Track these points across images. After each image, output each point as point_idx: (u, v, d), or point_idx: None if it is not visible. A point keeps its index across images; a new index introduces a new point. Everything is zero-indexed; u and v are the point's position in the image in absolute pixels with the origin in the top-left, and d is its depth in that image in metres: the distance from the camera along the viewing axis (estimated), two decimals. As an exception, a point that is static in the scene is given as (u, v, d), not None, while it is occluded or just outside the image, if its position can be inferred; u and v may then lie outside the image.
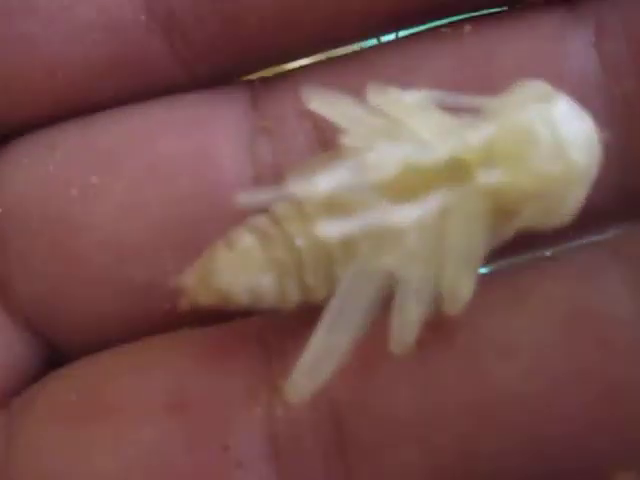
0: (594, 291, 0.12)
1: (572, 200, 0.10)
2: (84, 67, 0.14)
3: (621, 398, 0.11)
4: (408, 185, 0.10)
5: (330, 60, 0.14)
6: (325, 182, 0.10)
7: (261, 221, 0.12)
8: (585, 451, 0.11)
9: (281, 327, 0.13)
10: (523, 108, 0.10)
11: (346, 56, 0.14)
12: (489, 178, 0.09)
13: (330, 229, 0.10)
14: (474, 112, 0.11)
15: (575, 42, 0.13)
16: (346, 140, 0.11)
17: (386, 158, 0.10)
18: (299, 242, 0.11)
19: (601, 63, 0.13)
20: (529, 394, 0.11)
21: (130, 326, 0.14)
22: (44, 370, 0.14)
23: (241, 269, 0.11)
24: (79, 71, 0.14)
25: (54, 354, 0.15)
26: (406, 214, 0.10)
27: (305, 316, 0.12)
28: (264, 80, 0.15)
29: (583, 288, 0.12)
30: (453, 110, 0.11)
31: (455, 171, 0.10)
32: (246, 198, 0.11)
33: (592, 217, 0.12)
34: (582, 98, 0.12)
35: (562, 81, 0.12)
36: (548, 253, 0.13)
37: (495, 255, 0.12)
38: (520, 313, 0.12)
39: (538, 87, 0.10)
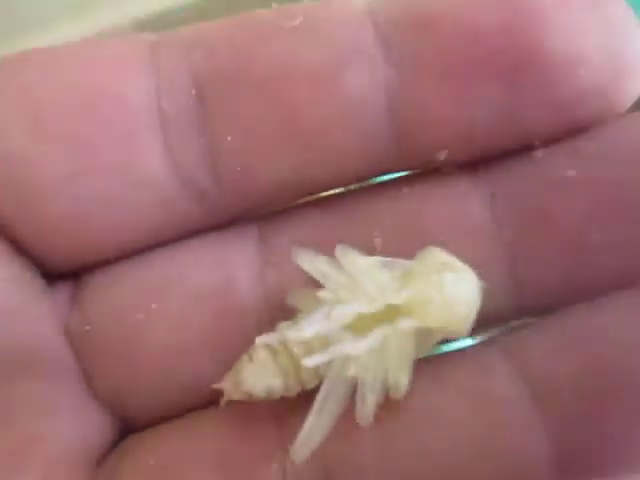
0: (489, 379, 0.16)
1: (464, 327, 0.15)
2: (142, 227, 0.17)
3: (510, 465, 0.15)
4: (362, 324, 0.16)
5: (312, 202, 0.18)
6: (308, 331, 0.15)
7: (270, 339, 0.16)
8: None
9: (288, 406, 0.17)
10: (426, 278, 0.15)
11: (324, 199, 0.18)
12: (406, 324, 0.15)
13: (313, 360, 0.15)
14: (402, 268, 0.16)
15: (475, 203, 0.17)
16: (322, 294, 0.16)
17: (345, 312, 0.15)
18: (296, 350, 0.16)
19: (493, 219, 0.17)
20: (452, 450, 0.15)
21: (184, 405, 0.17)
22: (117, 440, 0.18)
23: (259, 376, 0.16)
24: (139, 229, 0.17)
25: (123, 429, 0.18)
26: (357, 347, 0.15)
27: (304, 399, 0.16)
28: (267, 217, 0.18)
29: (481, 377, 0.16)
30: (390, 264, 0.16)
31: (389, 314, 0.15)
32: (261, 339, 0.16)
33: (486, 322, 0.17)
34: (480, 244, 0.17)
35: (467, 233, 0.17)
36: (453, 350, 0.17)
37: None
38: (440, 397, 0.16)
39: (439, 255, 0.16)
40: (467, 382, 0.16)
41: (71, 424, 0.17)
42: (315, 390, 0.17)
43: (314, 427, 0.16)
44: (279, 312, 0.17)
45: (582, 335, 0.15)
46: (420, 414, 0.16)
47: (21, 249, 0.17)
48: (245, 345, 0.17)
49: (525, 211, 0.17)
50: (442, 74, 0.16)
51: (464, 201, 0.17)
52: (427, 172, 0.18)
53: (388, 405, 0.16)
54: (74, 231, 0.17)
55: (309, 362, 0.15)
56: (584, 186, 0.16)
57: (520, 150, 0.17)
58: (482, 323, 0.16)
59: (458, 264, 0.16)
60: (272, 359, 0.16)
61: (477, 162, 0.17)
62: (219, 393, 0.16)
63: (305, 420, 0.16)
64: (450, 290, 0.15)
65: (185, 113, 0.16)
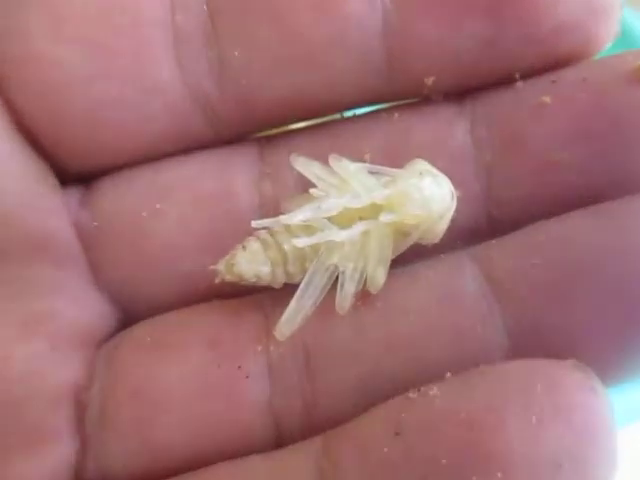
0: (452, 275, 0.17)
1: (438, 230, 0.17)
2: (152, 132, 0.19)
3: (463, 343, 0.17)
4: (348, 219, 0.17)
5: (309, 128, 0.20)
6: (300, 215, 0.17)
7: (263, 233, 0.18)
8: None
9: (272, 297, 0.19)
10: (408, 179, 0.17)
11: (320, 125, 0.20)
12: (387, 218, 0.17)
13: (302, 241, 0.17)
14: (390, 175, 0.18)
15: (458, 127, 0.19)
16: (314, 191, 0.18)
17: (334, 204, 0.17)
18: (285, 246, 0.18)
19: (472, 142, 0.18)
20: (418, 337, 0.17)
21: (180, 297, 0.19)
22: (119, 327, 0.19)
23: (250, 262, 0.18)
24: (149, 135, 0.19)
25: (126, 318, 0.20)
26: (340, 234, 0.17)
27: (288, 295, 0.18)
28: (267, 138, 0.20)
29: (446, 274, 0.17)
30: (376, 174, 0.18)
31: (372, 211, 0.17)
32: (257, 222, 0.17)
33: (462, 237, 0.18)
34: (460, 163, 0.18)
35: (449, 153, 0.18)
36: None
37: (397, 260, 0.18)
38: (412, 291, 0.17)
39: (422, 164, 0.17)
40: (436, 278, 0.18)
41: (76, 306, 0.19)
42: (298, 285, 0.18)
43: (296, 309, 0.18)
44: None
45: (543, 241, 0.17)
46: (392, 305, 0.18)
47: (38, 147, 0.19)
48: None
49: (502, 135, 0.18)
50: (435, 4, 0.17)
51: (448, 126, 0.19)
52: (417, 101, 0.19)
53: (365, 296, 0.18)
54: (88, 133, 0.18)
55: (299, 242, 0.17)
56: (556, 110, 0.18)
57: (502, 81, 0.19)
58: (455, 237, 0.18)
59: (437, 172, 0.18)
60: (263, 249, 0.18)
61: (462, 91, 0.19)
62: (213, 286, 0.18)
63: (287, 306, 0.18)
64: (428, 190, 0.17)
65: (196, 27, 0.18)
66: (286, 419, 0.18)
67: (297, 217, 0.17)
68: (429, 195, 0.17)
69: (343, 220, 0.18)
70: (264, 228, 0.18)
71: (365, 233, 0.18)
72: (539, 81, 0.18)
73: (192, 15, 0.18)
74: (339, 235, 0.17)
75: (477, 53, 0.18)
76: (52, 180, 0.19)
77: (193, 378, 0.18)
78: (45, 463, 0.17)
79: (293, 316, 0.18)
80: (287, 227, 0.18)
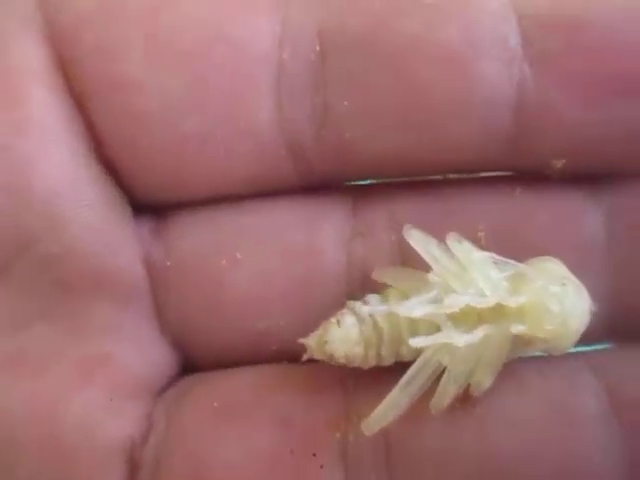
0: (570, 390, 0.15)
1: (567, 345, 0.15)
2: (237, 174, 0.17)
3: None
4: (465, 316, 0.15)
5: (412, 183, 0.18)
6: (420, 310, 0.15)
7: (359, 307, 0.16)
8: None
9: (355, 378, 0.17)
10: (546, 287, 0.15)
11: (425, 183, 0.18)
12: (517, 329, 0.15)
13: (417, 341, 0.15)
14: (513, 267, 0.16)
15: (591, 219, 0.17)
16: (431, 276, 0.16)
17: (457, 300, 0.15)
18: (382, 326, 0.16)
19: (606, 236, 0.16)
20: (519, 456, 0.15)
21: (250, 354, 0.17)
22: (180, 372, 0.18)
23: (343, 341, 0.16)
24: (234, 177, 0.17)
25: (188, 364, 0.18)
26: (462, 338, 0.15)
27: (370, 375, 0.16)
28: (363, 190, 0.18)
29: (563, 387, 0.16)
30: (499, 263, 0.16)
31: (496, 314, 0.15)
32: (369, 309, 0.15)
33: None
34: (588, 258, 0.16)
35: (577, 247, 0.16)
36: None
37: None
38: (519, 400, 0.16)
39: (556, 265, 0.15)
40: (550, 389, 0.16)
41: (137, 350, 0.17)
42: (385, 368, 0.17)
43: (392, 405, 0.16)
44: (358, 284, 0.17)
45: None
46: (494, 413, 0.16)
47: (115, 173, 0.17)
48: (321, 308, 0.17)
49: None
50: (581, 82, 0.15)
51: (578, 213, 0.17)
52: (541, 177, 0.17)
53: (464, 398, 0.16)
54: (170, 166, 0.17)
55: (414, 342, 0.15)
56: None
57: None
58: None
59: (576, 280, 0.15)
60: (358, 327, 0.16)
61: (597, 177, 0.17)
62: (286, 352, 0.17)
63: (385, 398, 0.16)
64: (570, 304, 0.15)
65: (305, 68, 0.16)
66: None
67: (416, 311, 0.15)
68: (570, 310, 0.15)
69: (460, 318, 0.16)
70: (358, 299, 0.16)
71: (485, 337, 0.15)
72: None
73: (301, 54, 0.16)
74: (460, 339, 0.15)
75: (621, 143, 0.16)
76: (126, 210, 0.17)
77: (261, 460, 0.16)
78: None
79: (387, 411, 0.16)
80: (387, 308, 0.16)
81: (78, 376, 0.16)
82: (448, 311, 0.15)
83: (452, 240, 0.16)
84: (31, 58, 0.16)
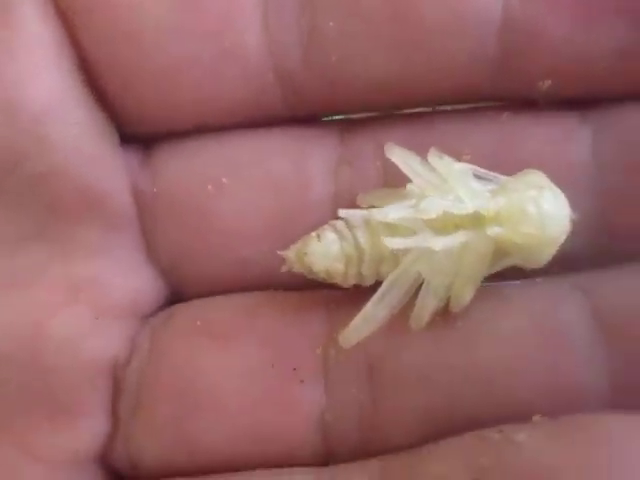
0: (555, 306, 0.15)
1: (546, 254, 0.15)
2: (226, 100, 0.17)
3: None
4: (444, 224, 0.15)
5: (400, 116, 0.18)
6: (395, 213, 0.15)
7: (340, 225, 0.16)
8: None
9: (337, 296, 0.17)
10: (524, 191, 0.15)
11: (413, 115, 0.18)
12: (494, 232, 0.15)
13: (396, 242, 0.15)
14: (496, 182, 0.16)
15: (580, 141, 0.16)
16: (410, 186, 0.16)
17: (435, 204, 0.15)
18: (363, 245, 0.16)
19: (593, 160, 0.16)
20: (504, 368, 0.15)
21: (237, 282, 0.17)
22: (167, 304, 0.18)
23: (324, 255, 0.16)
24: (222, 102, 0.17)
25: (175, 296, 0.18)
26: (439, 242, 0.15)
27: (355, 297, 0.16)
28: (351, 122, 0.18)
29: (548, 303, 0.16)
30: (482, 179, 0.16)
31: (475, 221, 0.15)
32: (345, 212, 0.16)
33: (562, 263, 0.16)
34: (576, 181, 0.16)
35: (564, 169, 0.16)
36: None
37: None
38: (502, 314, 0.16)
39: (538, 176, 0.15)
40: (533, 304, 0.16)
41: (123, 274, 0.17)
42: (368, 289, 0.17)
43: (368, 316, 0.16)
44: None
45: None
46: (477, 327, 0.16)
47: (103, 98, 0.17)
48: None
49: (629, 159, 0.16)
50: (566, 5, 0.15)
51: (567, 137, 0.17)
52: (528, 104, 0.17)
53: (445, 314, 0.16)
54: (158, 91, 0.17)
55: (391, 243, 0.15)
56: None
57: (635, 97, 0.16)
58: (560, 261, 0.16)
59: (556, 189, 0.15)
60: (339, 244, 0.16)
61: (583, 101, 0.17)
62: (273, 275, 0.17)
63: (359, 312, 0.16)
64: (547, 207, 0.15)
65: None
66: (338, 435, 0.16)
67: (391, 214, 0.15)
68: (548, 213, 0.15)
69: (438, 226, 0.15)
70: (341, 218, 0.16)
71: (463, 246, 0.15)
72: None
73: None
74: (437, 243, 0.15)
75: (608, 61, 0.16)
76: (114, 136, 0.17)
77: (242, 375, 0.16)
78: (71, 439, 0.16)
79: (363, 324, 0.16)
80: (367, 223, 0.16)
81: (64, 294, 0.16)
82: (425, 216, 0.15)
83: (433, 155, 0.16)
84: None
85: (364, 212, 0.15)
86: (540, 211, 0.15)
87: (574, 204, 0.16)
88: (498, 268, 0.16)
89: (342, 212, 0.16)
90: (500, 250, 0.16)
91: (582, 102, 0.17)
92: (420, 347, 0.16)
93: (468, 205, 0.15)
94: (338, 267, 0.16)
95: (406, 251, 0.16)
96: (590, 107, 0.17)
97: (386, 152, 0.16)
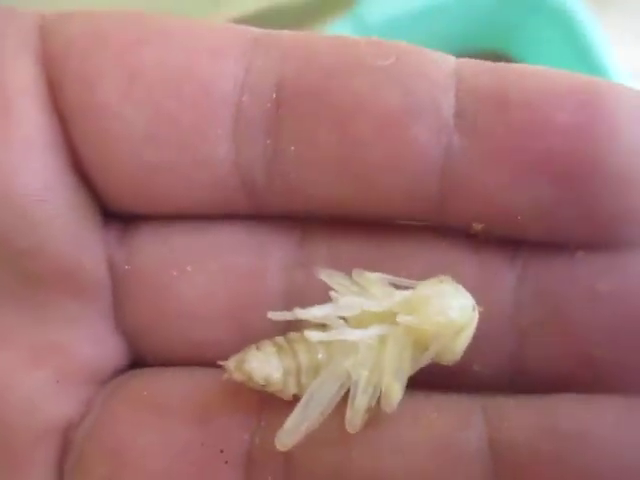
0: (459, 426, 0.16)
1: (458, 345, 0.17)
2: (195, 199, 0.18)
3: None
4: (363, 321, 0.17)
5: (357, 227, 0.19)
6: (317, 311, 0.17)
7: (279, 339, 0.18)
8: None
9: (275, 399, 0.18)
10: (429, 286, 0.17)
11: (368, 227, 0.19)
12: (404, 320, 0.16)
13: (315, 335, 0.16)
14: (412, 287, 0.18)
15: (504, 281, 0.18)
16: (332, 293, 0.17)
17: (352, 302, 0.17)
18: (301, 356, 0.17)
19: (514, 302, 0.18)
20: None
21: (189, 361, 0.19)
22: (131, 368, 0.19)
23: (262, 363, 0.17)
24: (193, 201, 0.19)
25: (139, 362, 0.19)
26: (356, 333, 0.16)
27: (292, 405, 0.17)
28: (311, 228, 0.19)
29: (453, 422, 0.17)
30: (399, 286, 0.18)
31: (390, 317, 0.17)
32: (274, 314, 0.17)
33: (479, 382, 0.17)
34: (495, 317, 0.17)
35: (487, 303, 0.17)
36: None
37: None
38: (409, 430, 0.17)
39: (445, 277, 0.17)
40: (439, 424, 0.17)
41: (91, 342, 0.18)
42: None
43: (301, 418, 0.17)
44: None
45: (561, 428, 0.16)
46: (384, 439, 0.17)
47: (89, 185, 0.19)
48: (259, 329, 0.19)
49: (546, 308, 0.17)
50: (502, 158, 0.16)
51: (493, 275, 0.18)
52: (470, 235, 0.18)
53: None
54: (136, 186, 0.18)
55: (312, 336, 0.16)
56: (610, 303, 0.17)
57: (560, 246, 0.17)
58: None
59: (459, 286, 0.17)
60: (277, 354, 0.18)
61: (515, 242, 0.18)
62: (223, 356, 0.18)
63: (294, 409, 0.17)
64: (447, 297, 0.16)
65: (261, 112, 0.17)
66: None
67: (313, 312, 0.17)
68: (448, 302, 0.16)
69: (360, 325, 0.17)
70: (280, 334, 0.18)
71: (382, 340, 0.17)
72: (598, 260, 0.17)
73: (259, 100, 0.18)
74: (353, 334, 0.17)
75: (535, 216, 0.17)
76: (96, 215, 0.19)
77: (174, 449, 0.17)
78: None
79: (296, 426, 0.17)
80: (304, 338, 0.18)
81: (29, 359, 0.17)
82: (343, 313, 0.17)
83: (356, 272, 0.19)
84: (24, 75, 0.17)
85: (289, 313, 0.17)
86: (441, 300, 0.16)
87: (491, 337, 0.18)
88: (421, 364, 0.17)
89: (271, 314, 0.17)
90: (418, 344, 0.17)
91: (514, 243, 0.18)
92: (333, 449, 0.17)
93: (383, 302, 0.17)
94: (276, 375, 0.17)
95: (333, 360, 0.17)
96: (521, 249, 0.18)
97: (316, 274, 0.18)
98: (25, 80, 0.18)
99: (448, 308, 0.16)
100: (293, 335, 0.18)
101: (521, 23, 0.46)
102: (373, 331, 0.17)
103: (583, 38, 0.43)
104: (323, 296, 0.18)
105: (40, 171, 0.18)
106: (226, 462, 0.17)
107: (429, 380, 0.18)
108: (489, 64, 0.18)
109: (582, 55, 0.42)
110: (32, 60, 0.18)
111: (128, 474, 0.17)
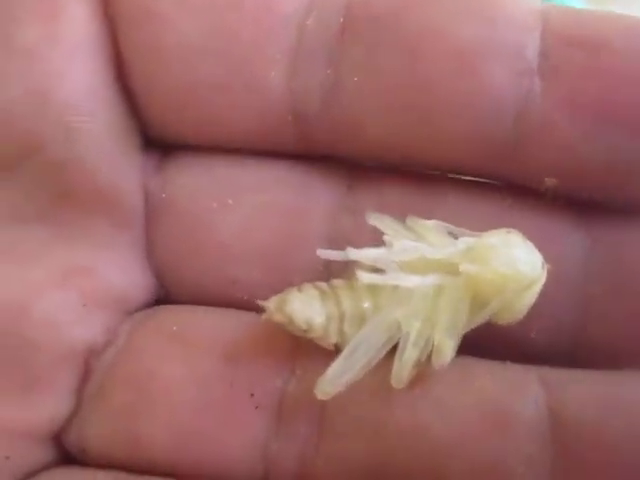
0: (512, 394, 0.15)
1: (521, 304, 0.15)
2: (242, 127, 0.17)
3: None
4: (418, 268, 0.16)
5: (408, 173, 0.18)
6: (371, 253, 0.15)
7: (322, 285, 0.17)
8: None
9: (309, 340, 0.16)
10: (495, 235, 0.15)
11: (419, 176, 0.18)
12: (466, 268, 0.15)
13: (367, 276, 0.15)
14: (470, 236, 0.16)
15: (574, 248, 0.16)
16: (386, 237, 0.16)
17: (409, 246, 0.15)
18: (345, 304, 0.16)
19: (583, 268, 0.16)
20: (446, 443, 0.15)
21: (221, 299, 0.18)
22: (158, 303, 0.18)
23: (304, 306, 0.16)
24: (239, 129, 0.17)
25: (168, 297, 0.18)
26: (413, 279, 0.15)
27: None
28: (361, 171, 0.18)
29: (506, 390, 0.15)
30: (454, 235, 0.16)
31: (449, 267, 0.15)
32: (323, 252, 0.16)
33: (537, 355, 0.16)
34: (562, 283, 0.16)
35: (554, 269, 0.16)
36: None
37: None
38: (459, 391, 0.16)
39: (512, 231, 0.15)
40: (492, 389, 0.16)
41: (120, 270, 0.18)
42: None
43: (344, 366, 0.16)
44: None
45: (623, 403, 0.15)
46: (431, 397, 0.16)
47: (131, 102, 0.18)
48: (297, 271, 0.17)
49: (617, 278, 0.16)
50: (587, 106, 0.15)
51: (562, 241, 0.17)
52: (537, 196, 0.17)
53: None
54: (183, 107, 0.17)
55: (363, 277, 0.15)
56: None
57: (633, 212, 0.17)
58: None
59: (530, 243, 0.16)
60: (320, 298, 0.16)
61: (589, 208, 0.17)
62: (258, 298, 0.17)
63: (333, 359, 0.16)
64: (517, 249, 0.15)
65: (324, 37, 0.16)
66: (278, 465, 0.16)
67: (367, 254, 0.16)
68: (517, 254, 0.15)
69: (412, 270, 0.16)
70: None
71: (439, 290, 0.15)
72: None
73: (324, 24, 0.16)
74: (410, 280, 0.15)
75: (610, 174, 0.16)
76: (136, 138, 0.18)
77: (201, 387, 0.16)
78: (34, 413, 0.16)
79: (339, 375, 0.15)
80: (349, 285, 0.17)
81: (57, 279, 0.17)
82: (399, 257, 0.15)
83: (410, 218, 0.17)
84: None
85: (340, 252, 0.16)
86: (510, 250, 0.15)
87: (555, 304, 0.16)
88: (478, 322, 0.16)
89: (320, 252, 0.16)
90: (477, 300, 0.16)
91: (584, 205, 0.17)
92: (372, 403, 0.16)
93: (442, 250, 0.16)
94: (318, 320, 0.16)
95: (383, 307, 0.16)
96: (592, 215, 0.17)
97: (367, 219, 0.17)
98: None
99: (517, 260, 0.15)
100: (336, 282, 0.17)
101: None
102: (431, 279, 0.15)
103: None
104: (370, 245, 0.17)
105: (84, 79, 0.17)
106: (256, 407, 0.16)
107: (479, 344, 0.16)
108: (577, 9, 0.16)
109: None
110: None
111: (152, 403, 0.16)
